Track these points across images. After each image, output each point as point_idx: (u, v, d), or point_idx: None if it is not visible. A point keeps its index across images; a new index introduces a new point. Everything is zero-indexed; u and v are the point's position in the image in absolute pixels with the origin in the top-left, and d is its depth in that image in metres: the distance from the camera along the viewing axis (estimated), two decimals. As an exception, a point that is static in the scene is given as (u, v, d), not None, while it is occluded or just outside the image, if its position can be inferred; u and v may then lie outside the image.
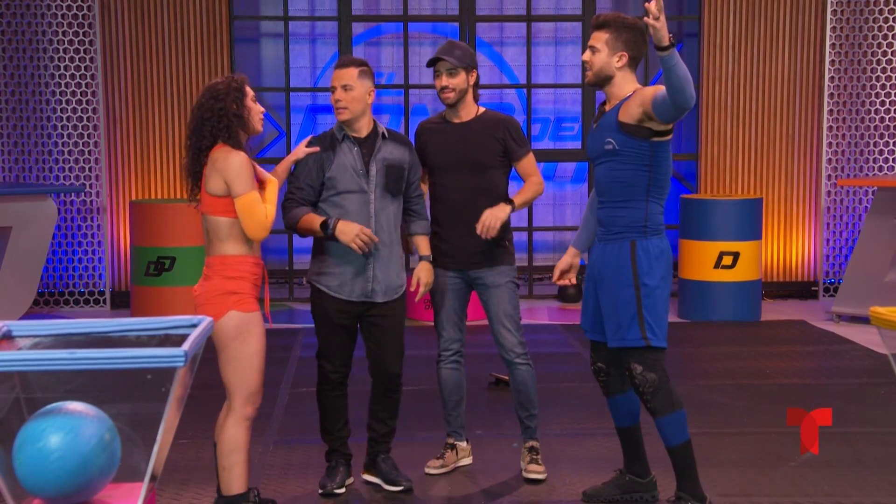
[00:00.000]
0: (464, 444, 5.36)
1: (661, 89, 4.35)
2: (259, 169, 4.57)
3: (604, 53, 4.58)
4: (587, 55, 4.62)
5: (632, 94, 4.55)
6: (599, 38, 4.59)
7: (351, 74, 4.86)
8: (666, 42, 4.19)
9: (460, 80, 5.05)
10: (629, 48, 4.57)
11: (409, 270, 5.24)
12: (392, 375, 5.03)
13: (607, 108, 4.66)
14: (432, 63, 5.08)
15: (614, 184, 4.59)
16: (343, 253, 4.87)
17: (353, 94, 4.85)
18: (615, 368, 4.75)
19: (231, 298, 4.41)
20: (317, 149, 4.89)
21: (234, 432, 4.41)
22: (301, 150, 4.93)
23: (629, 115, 4.50)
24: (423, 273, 5.10)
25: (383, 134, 4.95)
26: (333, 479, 5.00)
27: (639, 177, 4.54)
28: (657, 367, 4.54)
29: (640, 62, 4.68)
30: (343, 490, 5.01)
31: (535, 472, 5.15)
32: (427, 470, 5.22)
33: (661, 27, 4.18)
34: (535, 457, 5.19)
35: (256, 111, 4.51)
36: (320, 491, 4.98)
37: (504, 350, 5.17)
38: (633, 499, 4.88)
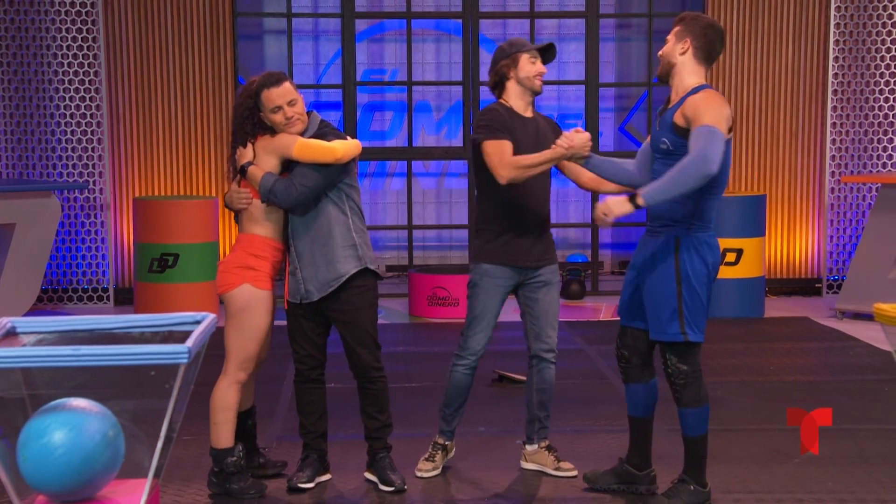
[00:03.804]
0: (452, 443, 5.33)
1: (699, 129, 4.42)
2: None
3: (671, 43, 4.63)
4: (661, 49, 4.70)
5: (691, 95, 4.51)
6: (672, 31, 4.65)
7: (292, 89, 4.83)
8: (635, 206, 4.42)
9: None
10: (694, 36, 4.57)
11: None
12: (362, 367, 5.00)
13: (671, 100, 4.65)
14: (542, 49, 4.98)
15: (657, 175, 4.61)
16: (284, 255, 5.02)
17: (298, 106, 4.84)
18: (638, 357, 4.80)
19: (248, 273, 4.83)
20: None
21: (225, 392, 4.86)
22: None
23: (682, 118, 4.50)
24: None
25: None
26: (301, 473, 5.03)
27: None
28: (691, 360, 4.62)
29: (714, 58, 4.65)
30: (311, 485, 5.01)
31: (569, 468, 5.16)
32: (419, 473, 5.17)
33: (612, 216, 4.45)
34: (557, 454, 5.21)
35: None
36: (287, 489, 5.00)
37: (544, 349, 5.13)
38: (629, 490, 4.92)
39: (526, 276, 5.08)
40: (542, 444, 5.23)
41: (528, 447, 5.27)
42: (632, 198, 4.41)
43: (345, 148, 4.79)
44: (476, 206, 5.25)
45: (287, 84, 4.80)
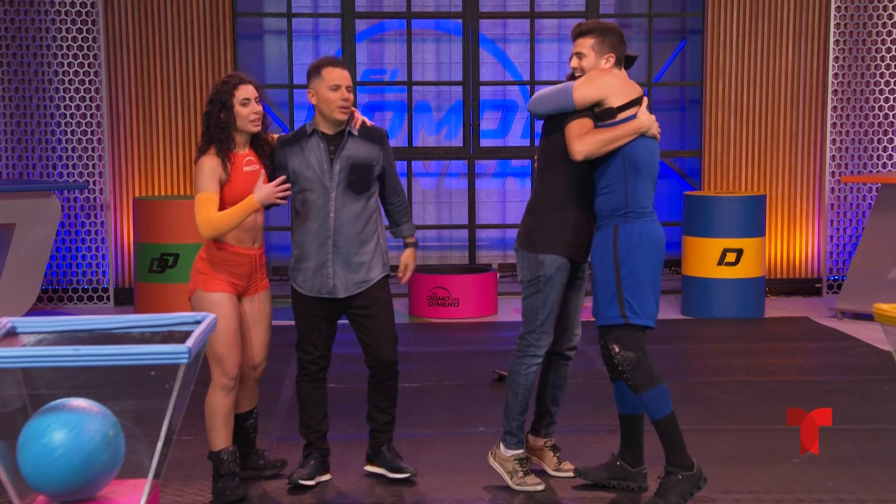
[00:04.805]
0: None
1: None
2: (258, 182, 4.77)
3: (591, 58, 4.77)
4: (575, 62, 4.81)
5: None
6: (585, 44, 4.78)
7: (349, 76, 4.93)
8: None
9: None
10: (614, 49, 4.78)
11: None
12: (386, 363, 5.02)
13: None
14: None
15: (594, 172, 4.76)
16: (306, 248, 4.98)
17: (352, 97, 4.93)
18: None
19: (199, 277, 4.83)
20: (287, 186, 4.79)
21: (211, 398, 4.85)
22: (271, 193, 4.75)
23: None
24: (408, 258, 5.21)
25: (350, 131, 4.94)
26: (302, 469, 5.02)
27: (612, 162, 4.68)
28: (635, 345, 4.66)
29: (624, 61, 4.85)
30: (313, 482, 5.00)
31: (570, 469, 5.15)
32: (530, 487, 4.97)
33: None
34: (560, 455, 5.21)
35: (245, 114, 4.80)
36: (288, 486, 5.00)
37: (569, 346, 5.10)
38: (619, 485, 4.96)
39: (572, 271, 4.98)
40: (549, 443, 5.22)
41: (532, 438, 5.23)
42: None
43: (201, 224, 4.69)
44: (542, 188, 4.93)
45: (348, 74, 4.93)
